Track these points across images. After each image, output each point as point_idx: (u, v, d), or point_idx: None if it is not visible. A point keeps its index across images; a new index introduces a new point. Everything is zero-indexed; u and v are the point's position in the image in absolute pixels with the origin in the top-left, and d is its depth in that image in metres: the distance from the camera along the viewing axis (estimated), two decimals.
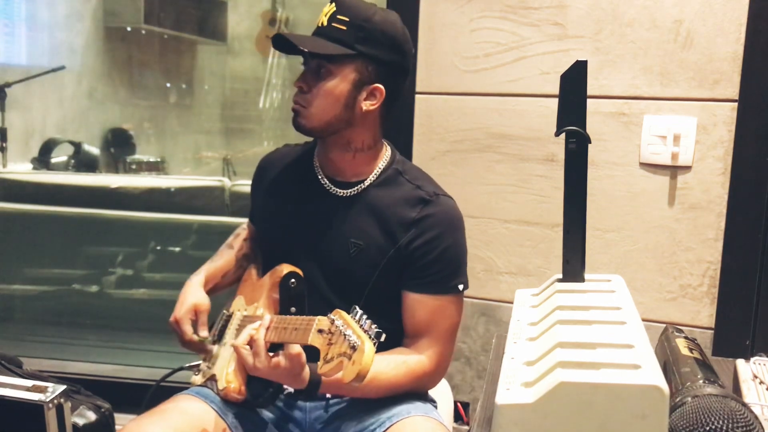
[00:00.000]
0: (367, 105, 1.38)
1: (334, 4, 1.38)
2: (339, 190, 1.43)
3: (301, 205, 1.46)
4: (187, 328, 1.44)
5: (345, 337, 1.07)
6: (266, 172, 1.56)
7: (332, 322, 1.11)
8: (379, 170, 1.44)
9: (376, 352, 1.09)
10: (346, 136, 1.40)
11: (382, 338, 1.09)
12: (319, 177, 1.46)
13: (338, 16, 1.35)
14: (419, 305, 1.40)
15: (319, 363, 1.12)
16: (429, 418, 1.33)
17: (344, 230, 1.41)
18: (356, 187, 1.43)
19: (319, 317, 1.16)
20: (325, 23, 1.37)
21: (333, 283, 1.41)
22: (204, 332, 1.45)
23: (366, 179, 1.43)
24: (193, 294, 1.48)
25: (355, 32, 1.34)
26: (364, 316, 1.10)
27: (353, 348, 1.06)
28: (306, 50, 1.35)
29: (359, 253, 1.39)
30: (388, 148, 1.49)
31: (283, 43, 1.37)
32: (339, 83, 1.35)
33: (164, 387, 1.52)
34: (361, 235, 1.40)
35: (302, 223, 1.45)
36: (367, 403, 1.37)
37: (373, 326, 1.09)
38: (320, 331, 1.13)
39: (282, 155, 1.57)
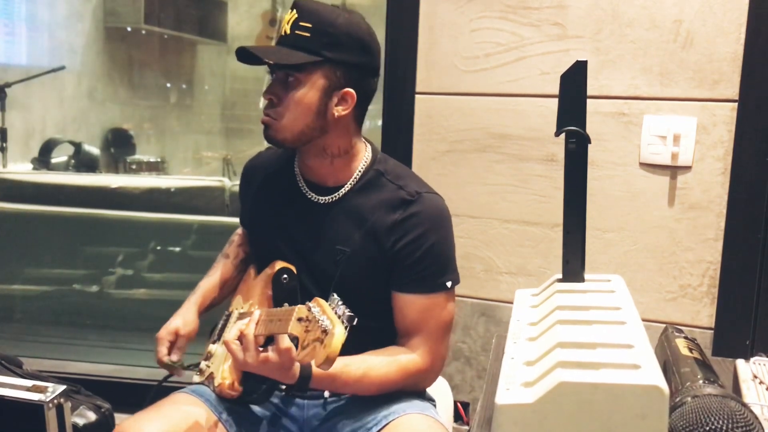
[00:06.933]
0: (339, 111, 1.35)
1: (295, 10, 1.34)
2: (320, 198, 1.42)
3: (285, 213, 1.45)
4: (161, 350, 1.45)
5: (319, 323, 1.08)
6: (251, 178, 1.55)
7: (309, 309, 1.12)
8: (360, 173, 1.42)
9: (358, 339, 1.12)
10: (320, 143, 1.38)
11: (354, 322, 1.10)
12: (300, 185, 1.45)
13: (301, 23, 1.32)
14: (409, 305, 1.39)
15: (297, 350, 1.13)
16: (426, 416, 1.33)
17: (329, 237, 1.40)
18: (336, 193, 1.42)
19: (299, 306, 1.16)
20: (288, 31, 1.34)
21: (324, 288, 1.41)
22: (175, 357, 1.46)
23: (346, 184, 1.42)
24: (181, 316, 1.49)
25: (320, 38, 1.31)
26: (340, 302, 1.11)
27: (324, 332, 1.07)
28: (271, 62, 1.32)
29: (346, 259, 1.38)
30: (368, 147, 1.46)
31: (248, 56, 1.34)
32: (308, 91, 1.33)
33: (165, 387, 1.52)
34: (347, 242, 1.39)
35: (288, 231, 1.44)
36: (364, 402, 1.37)
37: (347, 311, 1.09)
38: (300, 319, 1.14)
39: (265, 160, 1.56)
